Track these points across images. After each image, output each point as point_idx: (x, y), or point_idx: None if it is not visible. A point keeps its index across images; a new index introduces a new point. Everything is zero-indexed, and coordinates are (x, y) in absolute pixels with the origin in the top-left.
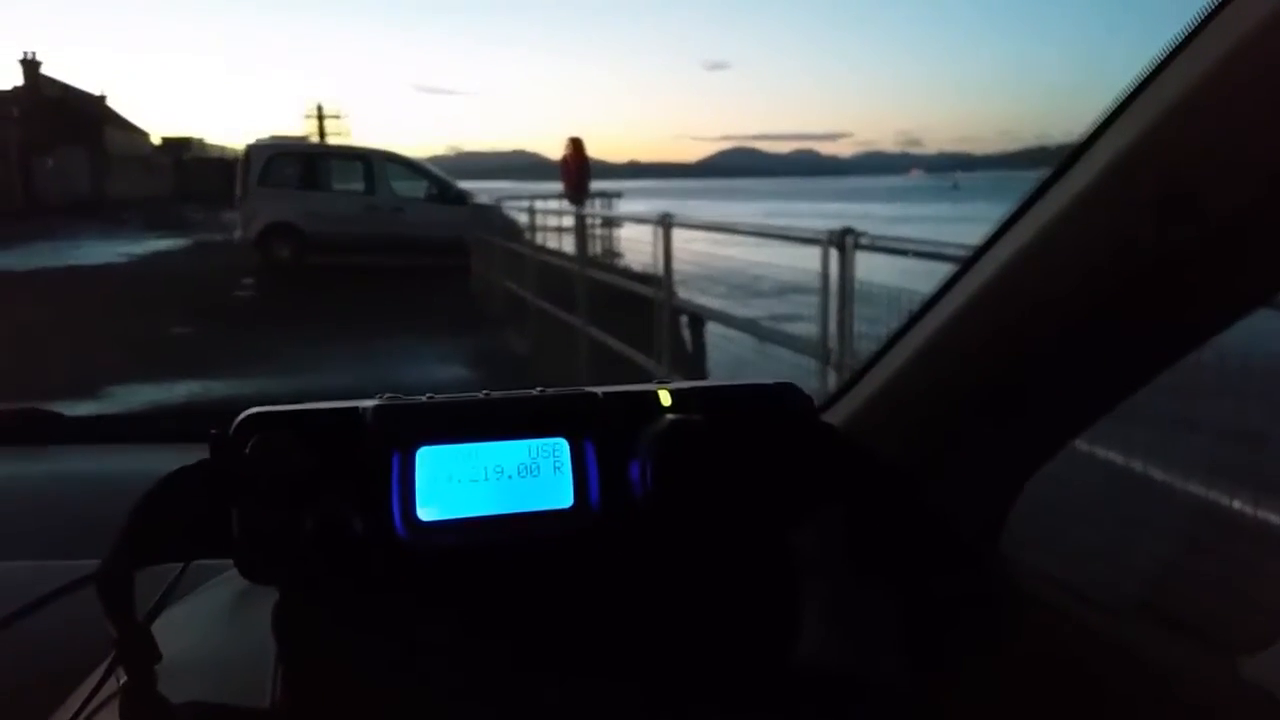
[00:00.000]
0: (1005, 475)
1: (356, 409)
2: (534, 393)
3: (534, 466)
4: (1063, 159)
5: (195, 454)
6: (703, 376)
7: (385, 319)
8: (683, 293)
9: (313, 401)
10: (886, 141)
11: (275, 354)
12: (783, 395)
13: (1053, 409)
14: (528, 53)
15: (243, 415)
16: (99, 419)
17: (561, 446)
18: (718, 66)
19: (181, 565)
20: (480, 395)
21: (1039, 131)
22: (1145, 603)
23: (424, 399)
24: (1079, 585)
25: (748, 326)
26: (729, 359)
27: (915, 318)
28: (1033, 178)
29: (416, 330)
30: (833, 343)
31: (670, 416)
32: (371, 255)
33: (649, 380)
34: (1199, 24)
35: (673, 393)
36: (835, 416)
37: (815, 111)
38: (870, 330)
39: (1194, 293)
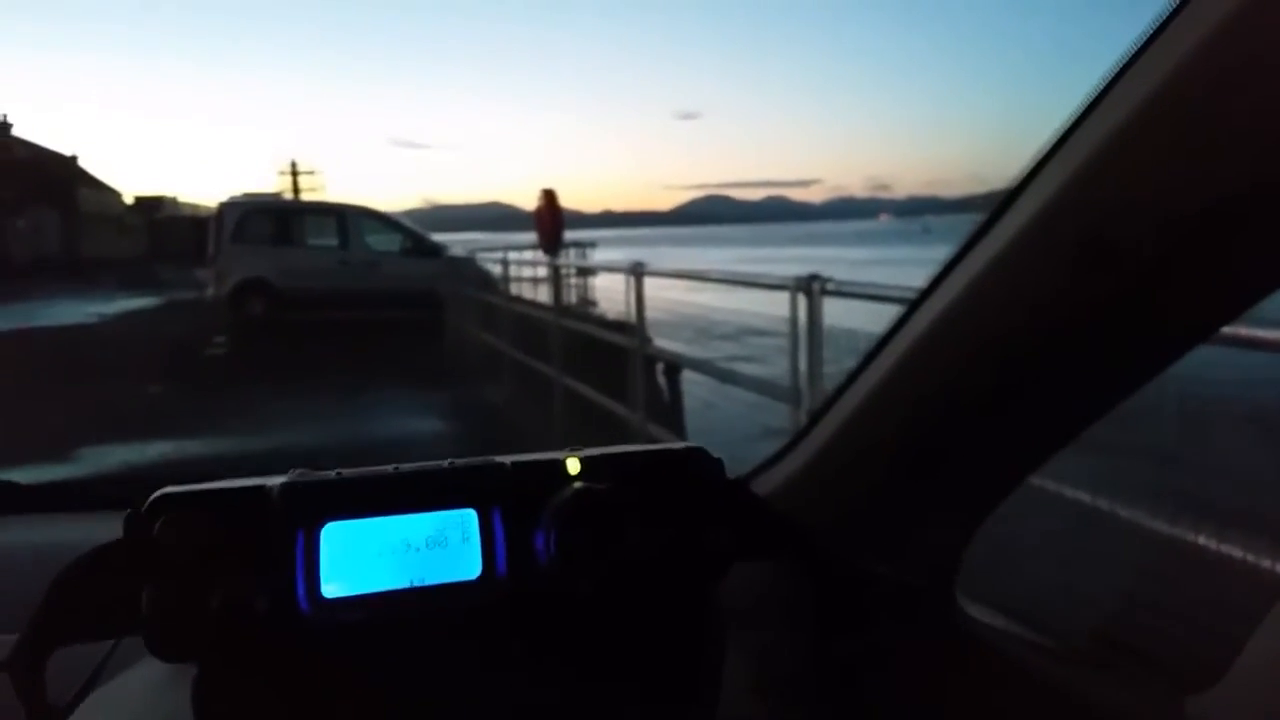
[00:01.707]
0: (953, 524)
1: (264, 486)
2: (444, 465)
3: (442, 538)
4: (990, 212)
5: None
6: (679, 423)
7: (359, 374)
8: (653, 339)
9: (285, 458)
10: (856, 187)
11: (248, 412)
12: (691, 460)
13: (994, 458)
14: (501, 106)
15: (155, 495)
16: (51, 486)
17: (469, 517)
18: (689, 116)
19: (112, 643)
20: (390, 469)
21: (1007, 175)
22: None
23: (333, 475)
24: (1031, 631)
25: (722, 374)
26: (698, 403)
27: (852, 377)
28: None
29: (391, 384)
30: (803, 385)
31: (576, 485)
32: (345, 310)
33: (625, 429)
34: (1114, 77)
35: (582, 460)
36: (778, 476)
37: (786, 158)
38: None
39: (1120, 340)
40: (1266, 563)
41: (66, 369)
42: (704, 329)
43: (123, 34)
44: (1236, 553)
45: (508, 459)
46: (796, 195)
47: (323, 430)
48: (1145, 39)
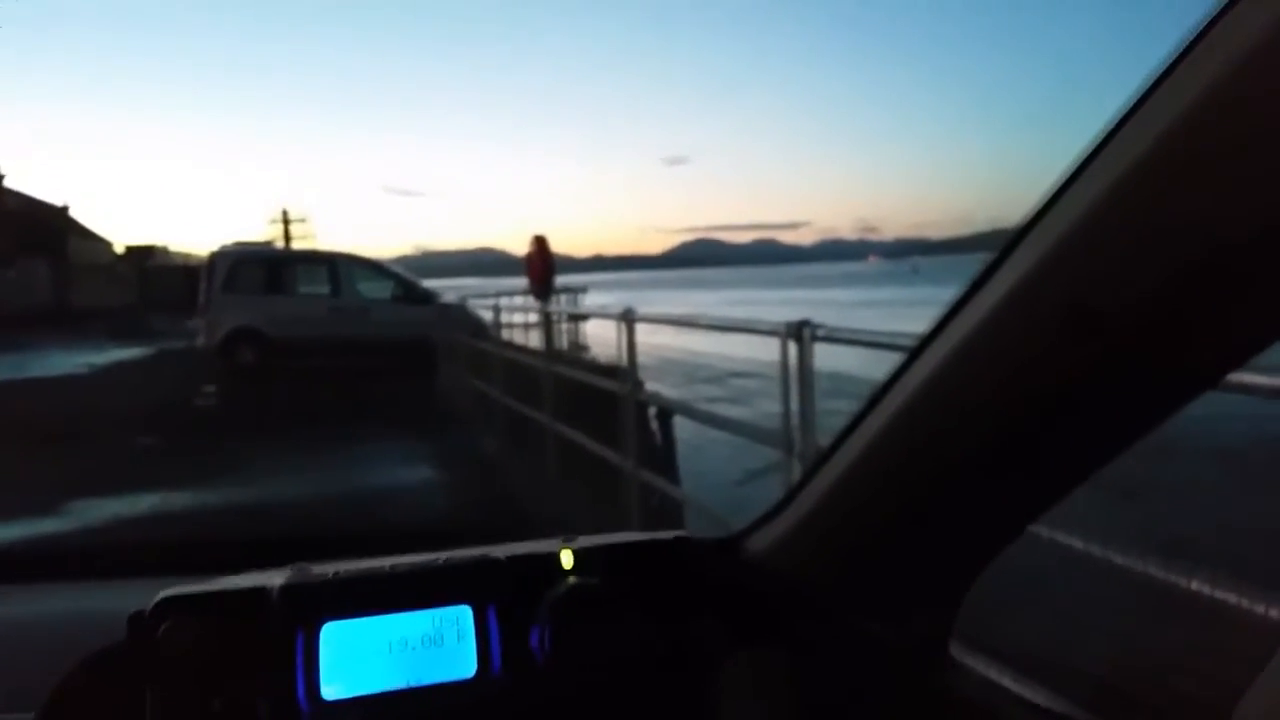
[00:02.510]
0: (948, 579)
1: (264, 587)
2: (439, 560)
3: (438, 636)
4: (976, 276)
5: (139, 592)
6: (673, 469)
7: (350, 423)
8: (645, 384)
9: (276, 512)
10: (845, 229)
11: (239, 463)
12: (682, 549)
13: (989, 514)
14: (492, 152)
15: (158, 598)
16: (45, 552)
17: (465, 614)
18: (678, 161)
19: None
20: (386, 566)
21: (992, 216)
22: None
23: (330, 574)
24: (1025, 683)
25: (713, 421)
26: (688, 447)
27: (845, 433)
28: (986, 260)
29: (382, 433)
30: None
31: (570, 581)
32: (337, 358)
33: (618, 476)
34: (1093, 150)
35: (575, 553)
36: (772, 533)
37: (774, 202)
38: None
39: (1109, 401)
40: (1212, 592)
41: (56, 420)
42: (689, 372)
43: (114, 84)
44: (1191, 586)
45: (502, 552)
46: (786, 238)
47: (314, 481)
48: (1125, 111)
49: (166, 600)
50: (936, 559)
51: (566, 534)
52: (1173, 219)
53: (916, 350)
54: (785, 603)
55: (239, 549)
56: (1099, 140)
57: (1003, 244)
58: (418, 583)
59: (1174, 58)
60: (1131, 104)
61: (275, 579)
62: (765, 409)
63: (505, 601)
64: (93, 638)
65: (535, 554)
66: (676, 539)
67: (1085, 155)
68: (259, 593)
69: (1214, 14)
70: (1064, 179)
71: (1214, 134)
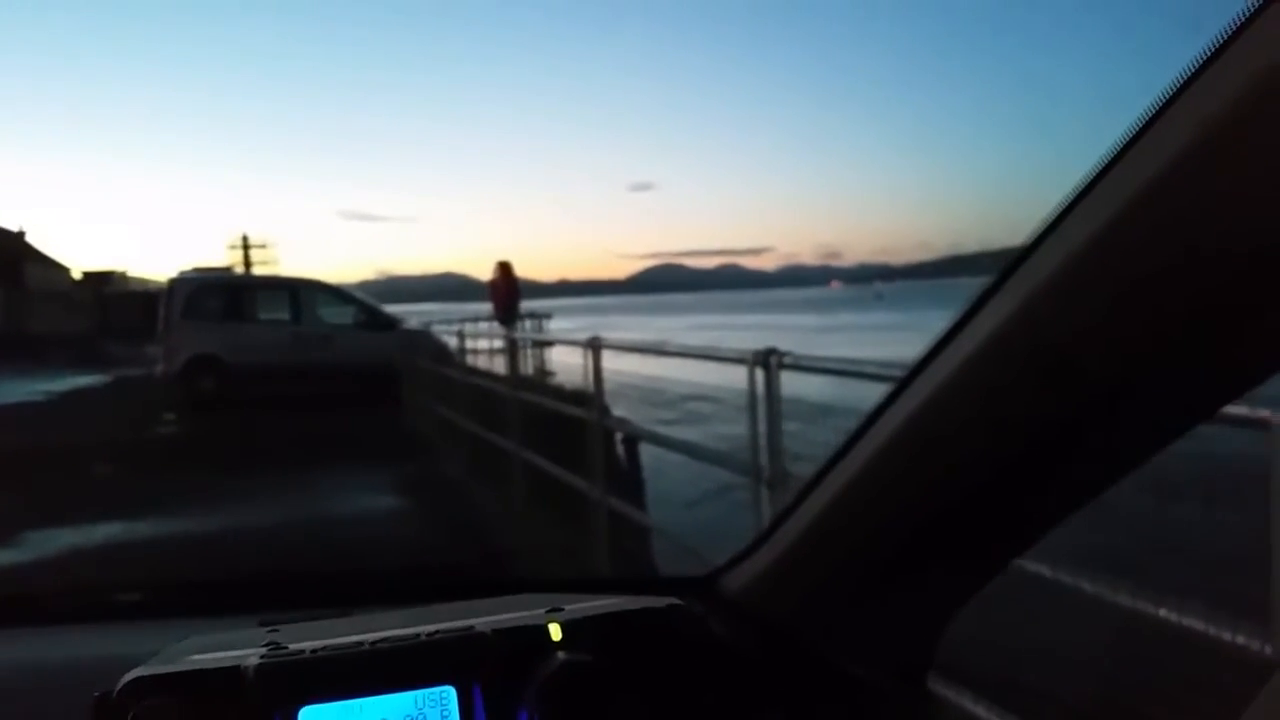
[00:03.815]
0: (926, 617)
1: (239, 667)
2: (420, 635)
3: (421, 718)
4: (953, 322)
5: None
6: (639, 495)
7: (313, 450)
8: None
9: (237, 542)
10: (808, 254)
11: (199, 492)
12: (674, 618)
13: (967, 553)
14: (455, 177)
15: (127, 678)
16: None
17: (449, 695)
18: (643, 187)
19: None
20: (366, 644)
21: (952, 242)
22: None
23: (307, 651)
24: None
25: (683, 449)
26: (651, 473)
27: (822, 471)
28: (946, 284)
29: (346, 460)
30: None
31: (559, 657)
32: (298, 385)
33: (584, 502)
34: (1072, 200)
35: (563, 625)
36: (750, 571)
37: (738, 227)
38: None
39: (1085, 446)
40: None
41: (12, 449)
42: (645, 395)
43: (71, 108)
44: (1159, 613)
45: (488, 624)
46: (750, 263)
47: (276, 510)
48: (1103, 163)
49: (135, 682)
50: (916, 596)
51: (533, 565)
52: (1151, 270)
53: (897, 389)
54: (764, 646)
55: (208, 592)
56: (1077, 191)
57: (979, 289)
58: (399, 661)
59: (1154, 110)
60: (1109, 157)
61: (250, 656)
62: (715, 430)
63: (491, 680)
64: (62, 691)
65: (522, 627)
66: (671, 606)
67: (1065, 204)
68: (233, 672)
69: (1194, 69)
70: (1044, 226)
71: (1192, 188)
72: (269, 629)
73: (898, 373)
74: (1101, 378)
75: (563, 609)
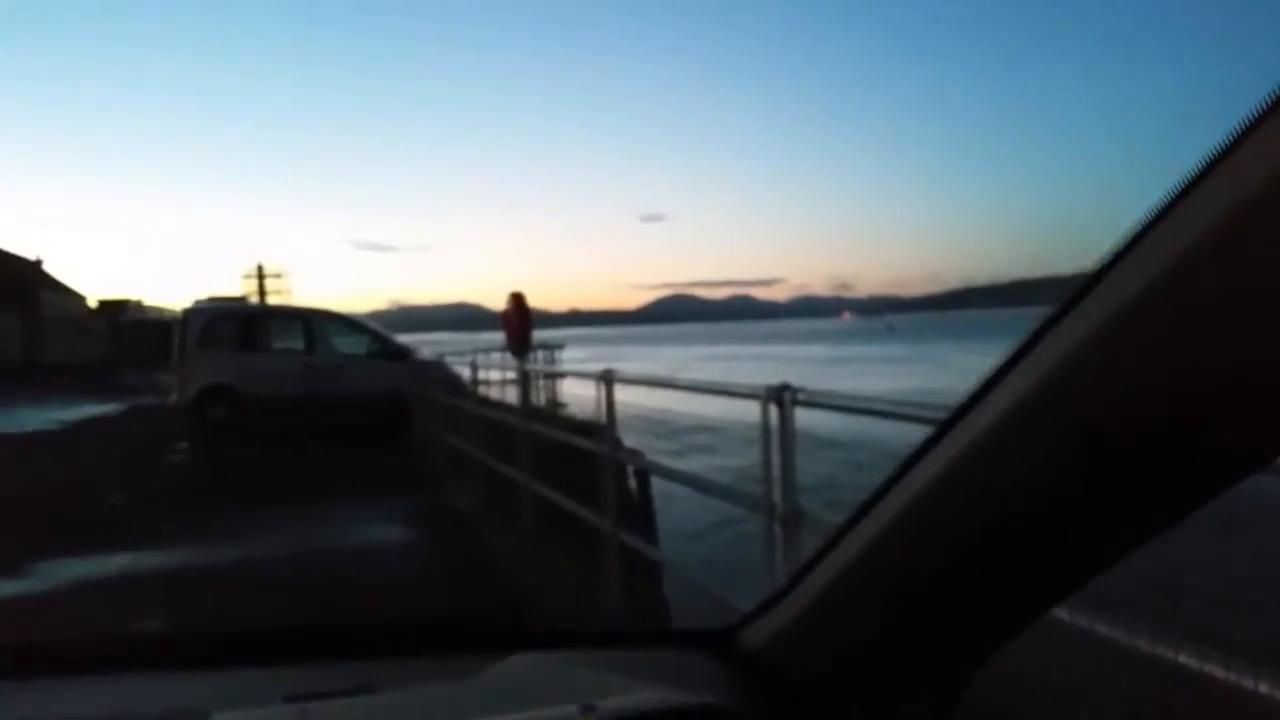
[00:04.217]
0: (951, 672)
1: None
2: None
3: None
4: (982, 383)
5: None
6: (651, 530)
7: (325, 480)
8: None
9: (249, 572)
10: (819, 286)
11: (211, 522)
12: (707, 715)
13: (991, 612)
14: (467, 208)
15: None
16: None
17: None
18: (654, 218)
19: None
20: None
21: (963, 275)
22: None
23: None
24: None
25: (695, 483)
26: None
27: (846, 526)
28: (957, 318)
29: (357, 491)
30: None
31: None
32: (311, 414)
33: (596, 535)
34: (1105, 266)
35: None
36: (770, 626)
37: (749, 258)
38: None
39: (1113, 511)
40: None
41: (24, 478)
42: (650, 427)
43: (89, 138)
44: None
45: None
46: (761, 294)
47: (287, 541)
48: (1133, 235)
49: None
50: (942, 651)
51: (546, 604)
52: (1185, 346)
53: (924, 446)
54: (786, 704)
55: (228, 642)
56: (1109, 258)
57: (1010, 350)
58: None
59: (1185, 184)
60: (1140, 228)
61: None
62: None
63: None
64: None
65: None
66: (705, 706)
67: (1097, 270)
68: None
69: (1226, 146)
70: (1077, 292)
71: (1225, 265)
72: (298, 707)
73: (913, 411)
74: (1133, 446)
75: (595, 707)
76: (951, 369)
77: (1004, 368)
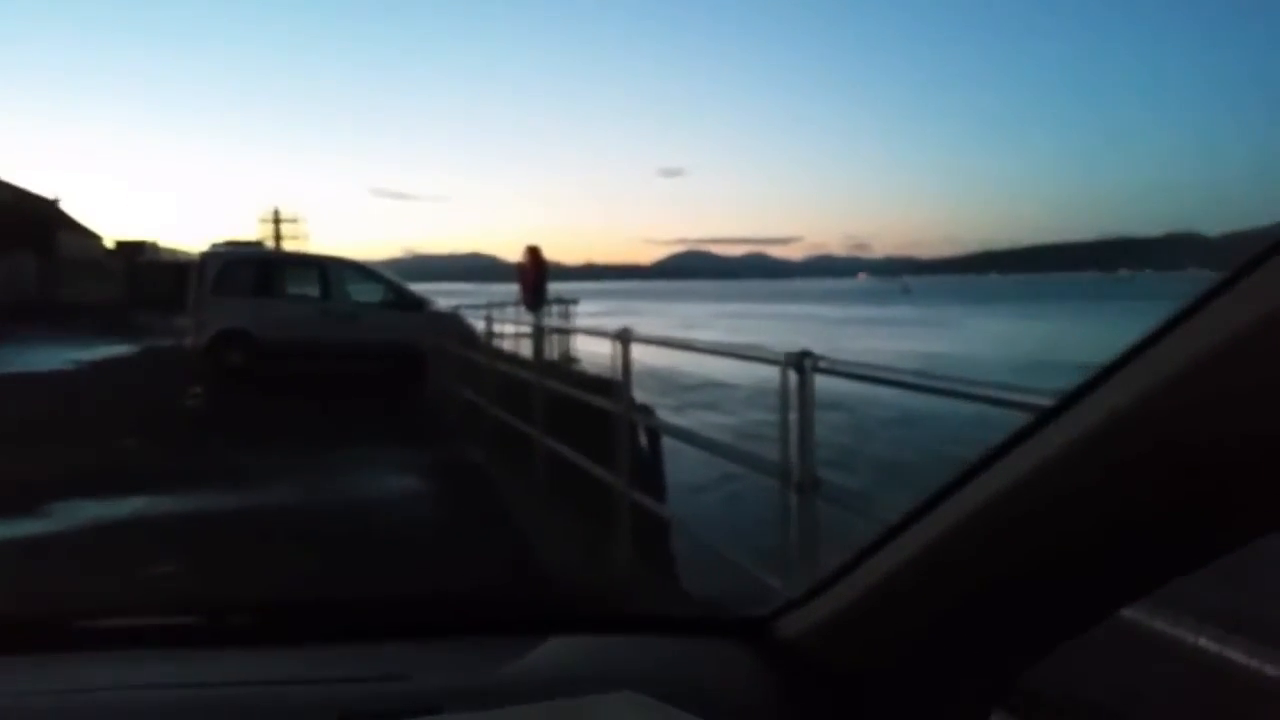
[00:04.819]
0: (998, 672)
1: None
2: None
3: None
4: (1066, 395)
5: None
6: (660, 487)
7: (338, 428)
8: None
9: (260, 517)
10: (835, 245)
11: (224, 466)
12: None
13: (1052, 617)
14: (485, 158)
15: None
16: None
17: None
18: (672, 173)
19: None
20: None
21: (983, 238)
22: None
23: None
24: None
25: (709, 445)
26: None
27: (903, 524)
28: (975, 282)
29: (370, 440)
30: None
31: None
32: (325, 362)
33: (609, 493)
34: (1205, 296)
35: None
36: (810, 617)
37: (766, 216)
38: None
39: (1187, 530)
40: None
41: (40, 418)
42: (661, 381)
43: (109, 80)
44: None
45: None
46: (776, 252)
47: (299, 488)
48: (1245, 264)
49: None
50: (995, 650)
51: (555, 559)
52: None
53: (997, 451)
54: (823, 694)
55: (254, 620)
56: (1223, 281)
57: (1092, 370)
58: None
59: None
60: (1256, 257)
61: None
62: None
63: None
64: None
65: None
66: (742, 696)
67: (1204, 294)
68: None
69: None
70: (1178, 313)
71: None
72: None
73: (933, 383)
74: (1216, 471)
75: (635, 697)
76: (960, 333)
77: (1086, 387)
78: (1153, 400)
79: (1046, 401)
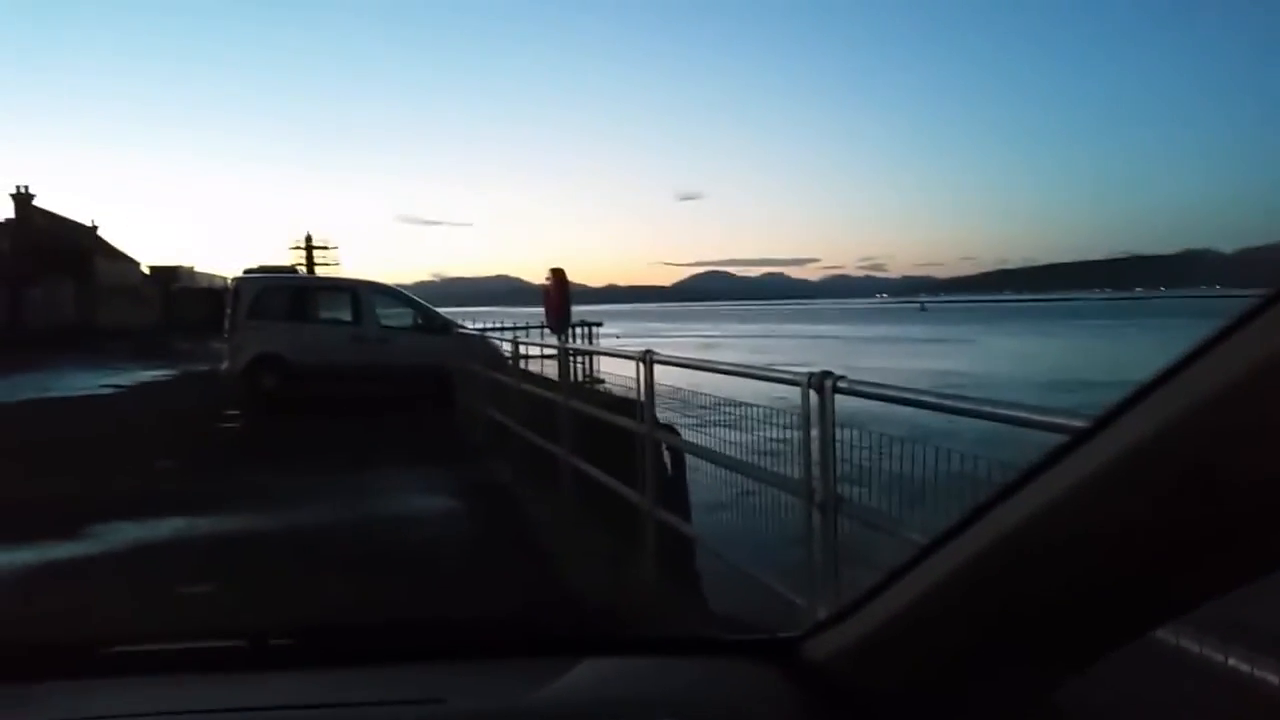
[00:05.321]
0: (1028, 694)
1: None
2: None
3: None
4: (1099, 417)
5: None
6: (685, 506)
7: (369, 450)
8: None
9: (295, 538)
10: (852, 266)
11: (260, 488)
12: None
13: (1080, 639)
14: (509, 184)
15: None
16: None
17: None
18: (690, 197)
19: None
20: None
21: (999, 257)
22: None
23: None
24: None
25: (733, 465)
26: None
27: (935, 544)
28: (993, 300)
29: (400, 461)
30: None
31: None
32: (357, 385)
33: (635, 512)
34: (1236, 321)
35: None
36: (841, 638)
37: (784, 237)
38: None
39: (1218, 557)
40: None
41: (79, 441)
42: (679, 400)
43: (145, 109)
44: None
45: None
46: (794, 273)
47: (333, 508)
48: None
49: None
50: (1027, 672)
51: (581, 576)
52: None
53: (1029, 473)
54: (855, 717)
55: (294, 642)
56: (1259, 304)
57: (1122, 395)
58: None
59: None
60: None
61: None
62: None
63: None
64: None
65: None
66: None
67: (1240, 316)
68: None
69: None
70: (1213, 335)
71: None
72: None
73: (956, 404)
74: (1245, 499)
75: None
76: (979, 351)
77: (1118, 409)
78: (1188, 424)
79: (1069, 421)
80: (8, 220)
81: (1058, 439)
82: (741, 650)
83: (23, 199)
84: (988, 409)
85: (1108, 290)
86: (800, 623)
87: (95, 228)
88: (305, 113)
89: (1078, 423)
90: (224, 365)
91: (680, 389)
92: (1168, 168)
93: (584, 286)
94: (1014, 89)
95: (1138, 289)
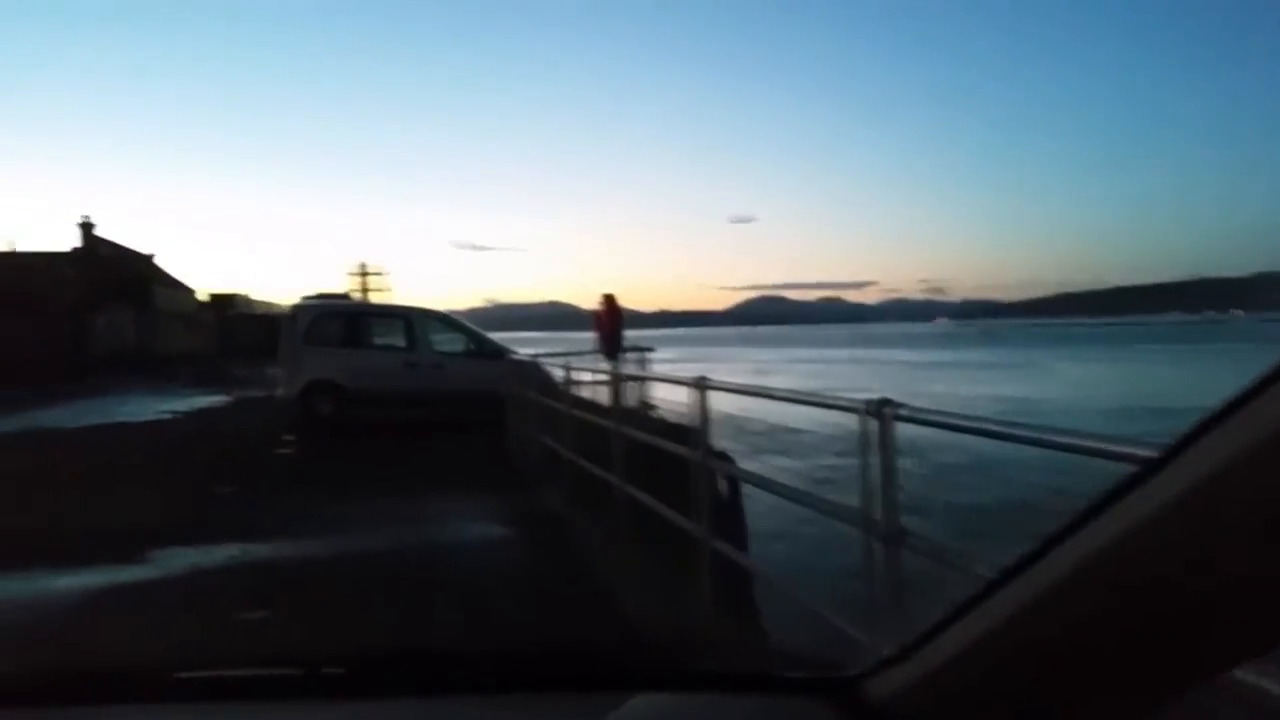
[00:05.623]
0: None
1: None
2: None
3: None
4: (1155, 460)
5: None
6: (742, 535)
7: (423, 475)
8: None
9: (350, 564)
10: (911, 289)
11: (316, 514)
12: None
13: (1147, 680)
14: (559, 209)
15: None
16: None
17: None
18: (744, 220)
19: None
20: None
21: (1061, 279)
22: None
23: None
24: None
25: (792, 494)
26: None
27: (999, 582)
28: (1058, 324)
29: (453, 487)
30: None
31: None
32: (411, 411)
33: (689, 542)
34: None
35: None
36: (905, 676)
37: (840, 261)
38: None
39: None
40: None
41: (139, 465)
42: (732, 427)
43: (200, 139)
44: None
45: None
46: (851, 296)
47: (386, 535)
48: None
49: None
50: (1092, 712)
51: (634, 607)
52: None
53: (1097, 506)
54: None
55: (336, 670)
56: None
57: (1192, 422)
58: None
59: None
60: None
61: None
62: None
63: None
64: None
65: None
66: None
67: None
68: None
69: None
70: (1262, 378)
71: None
72: None
73: (1018, 431)
74: None
75: None
76: (1043, 377)
77: (1179, 446)
78: (1261, 454)
79: (1137, 450)
80: (74, 249)
81: (1126, 469)
82: (799, 688)
83: (87, 227)
84: (1050, 437)
85: (1176, 313)
86: (861, 659)
87: (153, 257)
88: (360, 142)
89: (1145, 452)
90: (279, 391)
91: (733, 415)
92: (1239, 186)
93: (636, 311)
94: (1076, 111)
95: (1209, 312)
